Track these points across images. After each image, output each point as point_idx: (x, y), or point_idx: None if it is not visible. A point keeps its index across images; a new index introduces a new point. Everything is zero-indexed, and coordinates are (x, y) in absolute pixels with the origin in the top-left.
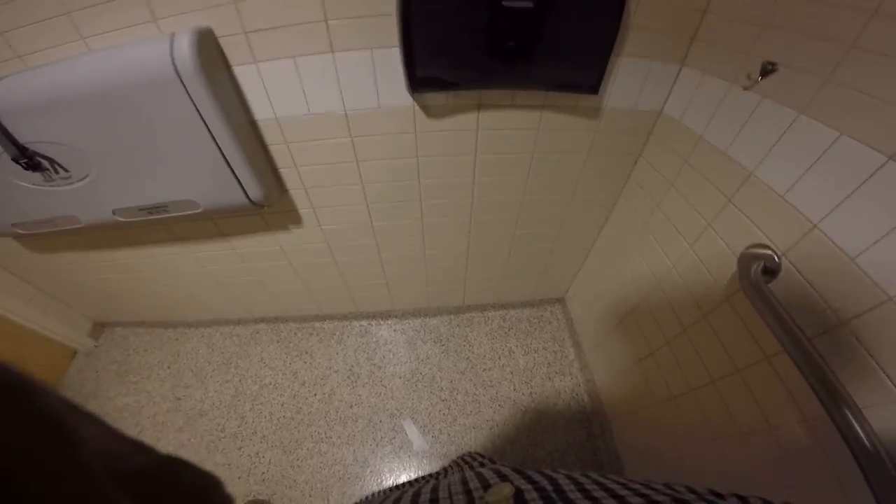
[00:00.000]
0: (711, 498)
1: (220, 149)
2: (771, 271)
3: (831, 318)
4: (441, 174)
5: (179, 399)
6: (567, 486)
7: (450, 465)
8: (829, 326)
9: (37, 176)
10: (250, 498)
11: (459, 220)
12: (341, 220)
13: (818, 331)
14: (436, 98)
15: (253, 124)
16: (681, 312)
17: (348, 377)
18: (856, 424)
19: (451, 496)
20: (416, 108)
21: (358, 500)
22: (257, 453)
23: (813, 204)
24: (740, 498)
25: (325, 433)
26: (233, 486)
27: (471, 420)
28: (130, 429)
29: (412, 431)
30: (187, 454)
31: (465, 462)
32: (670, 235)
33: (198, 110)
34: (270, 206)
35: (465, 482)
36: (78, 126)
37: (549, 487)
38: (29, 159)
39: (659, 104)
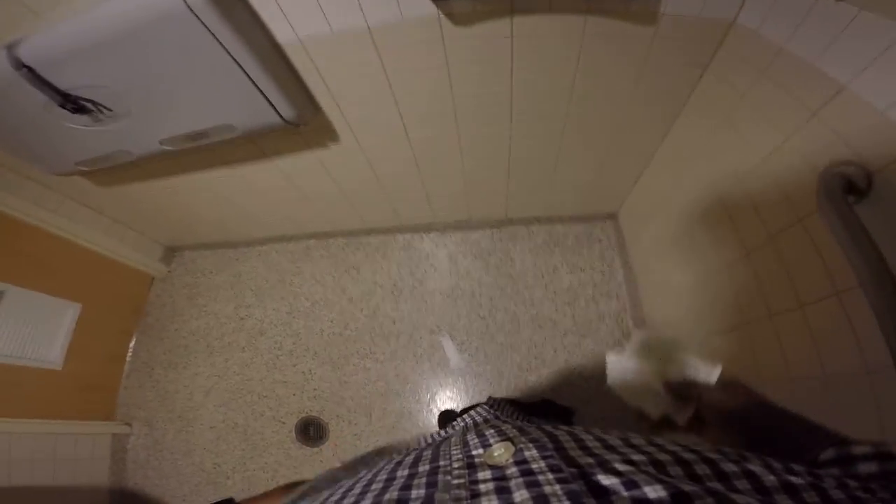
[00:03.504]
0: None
1: (246, 74)
2: (858, 191)
3: None
4: (475, 83)
5: (242, 319)
6: (568, 443)
7: (454, 425)
8: None
9: (85, 118)
10: (304, 415)
11: (498, 129)
12: (377, 134)
13: None
14: (461, 4)
15: (277, 48)
16: (745, 233)
17: (392, 292)
18: None
19: (451, 458)
20: (441, 15)
21: (361, 457)
22: (310, 370)
23: None
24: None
25: (370, 349)
26: (289, 403)
27: (509, 339)
28: (202, 351)
29: (450, 349)
30: (251, 374)
31: (469, 418)
32: (739, 150)
33: (216, 39)
34: (306, 125)
35: (465, 443)
36: (110, 68)
37: (549, 446)
38: (73, 103)
39: (731, 13)
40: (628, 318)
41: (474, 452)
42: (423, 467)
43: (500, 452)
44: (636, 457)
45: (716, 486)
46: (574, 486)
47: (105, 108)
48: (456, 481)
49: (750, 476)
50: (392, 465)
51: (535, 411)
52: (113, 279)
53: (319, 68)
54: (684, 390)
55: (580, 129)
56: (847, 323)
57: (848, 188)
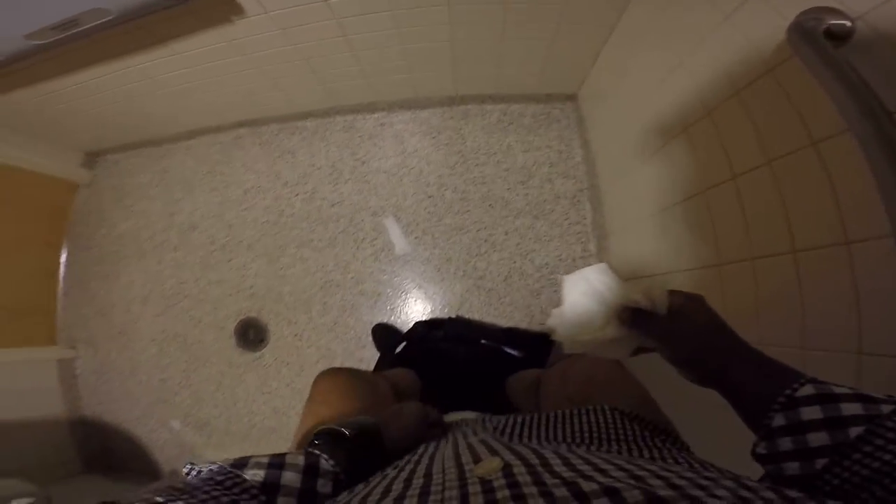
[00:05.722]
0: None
1: None
2: (837, 37)
3: None
4: None
5: (172, 215)
6: (553, 460)
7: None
8: None
9: None
10: (242, 317)
11: None
12: (288, 1)
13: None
14: None
15: None
16: (708, 92)
17: (331, 174)
18: None
19: (444, 471)
20: None
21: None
22: (244, 265)
23: None
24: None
25: (307, 236)
26: (226, 305)
27: (458, 220)
28: (133, 255)
29: (394, 232)
30: (185, 275)
31: (458, 430)
32: (707, 10)
33: None
34: None
35: (457, 456)
36: None
37: (535, 461)
38: None
39: None
40: (585, 199)
41: (466, 466)
42: (418, 480)
43: (494, 466)
44: (616, 473)
45: (695, 492)
46: (557, 494)
47: None
48: (448, 492)
49: (728, 487)
50: (387, 482)
51: (505, 340)
52: (30, 191)
53: None
54: (635, 319)
55: None
56: (825, 177)
57: (829, 32)
